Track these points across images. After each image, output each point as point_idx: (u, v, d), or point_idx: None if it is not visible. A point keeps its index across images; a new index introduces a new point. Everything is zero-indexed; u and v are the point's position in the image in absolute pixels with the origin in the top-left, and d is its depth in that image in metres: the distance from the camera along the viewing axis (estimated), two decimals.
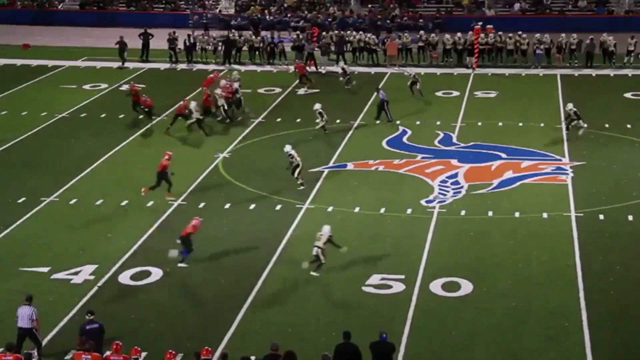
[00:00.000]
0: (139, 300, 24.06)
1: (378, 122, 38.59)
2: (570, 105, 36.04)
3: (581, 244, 26.77)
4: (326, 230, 25.36)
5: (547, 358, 21.11)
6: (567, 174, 32.41)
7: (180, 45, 51.62)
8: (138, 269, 25.70)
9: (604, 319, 22.53)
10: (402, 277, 24.87)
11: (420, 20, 55.98)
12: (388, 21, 56.95)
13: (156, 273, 25.43)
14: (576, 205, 29.56)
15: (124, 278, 25.22)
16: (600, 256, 26.06)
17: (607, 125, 37.44)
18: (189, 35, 52.15)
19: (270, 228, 28.48)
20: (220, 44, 51.96)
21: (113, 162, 35.08)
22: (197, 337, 21.45)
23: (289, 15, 59.66)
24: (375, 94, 39.86)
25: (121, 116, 40.77)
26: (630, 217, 28.49)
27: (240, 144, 36.72)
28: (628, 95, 42.82)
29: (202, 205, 30.28)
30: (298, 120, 39.23)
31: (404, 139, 36.89)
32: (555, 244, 27.03)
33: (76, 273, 25.45)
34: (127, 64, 50.51)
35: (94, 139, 37.40)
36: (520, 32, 49.71)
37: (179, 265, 25.53)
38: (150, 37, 52.09)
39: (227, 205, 30.27)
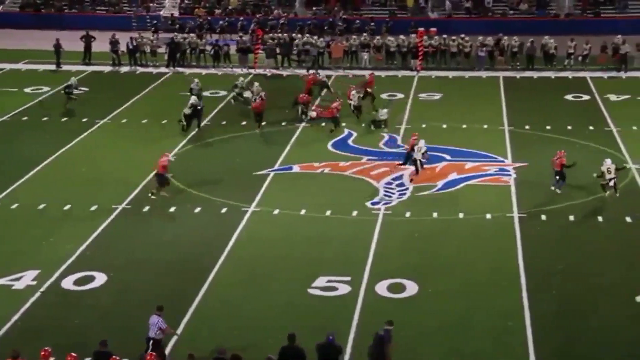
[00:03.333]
0: (83, 306, 23.80)
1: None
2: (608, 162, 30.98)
3: (524, 244, 27.08)
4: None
5: (492, 358, 21.33)
6: (510, 175, 32.76)
7: (123, 47, 51.19)
8: (82, 273, 25.42)
9: (547, 318, 22.82)
10: (348, 278, 24.94)
11: (372, 24, 56.08)
12: (339, 23, 56.99)
13: (100, 278, 25.18)
14: (519, 206, 29.90)
15: (67, 283, 24.93)
16: (543, 256, 26.39)
17: (548, 127, 37.90)
18: (131, 38, 51.74)
19: (215, 231, 28.37)
20: (165, 46, 51.62)
21: (55, 166, 34.66)
22: (143, 341, 21.25)
23: (234, 17, 59.38)
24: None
25: (64, 119, 40.33)
26: (571, 217, 28.89)
27: (185, 147, 36.51)
28: (569, 97, 43.40)
29: (147, 208, 30.06)
30: (243, 123, 39.12)
31: (350, 141, 36.99)
32: (498, 244, 27.31)
33: (18, 279, 25.10)
34: (65, 67, 49.95)
35: (36, 143, 36.91)
36: (463, 35, 50.18)
37: None
38: (92, 39, 51.59)
39: (172, 209, 30.08)
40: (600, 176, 30.07)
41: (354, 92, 39.66)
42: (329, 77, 46.97)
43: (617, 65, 48.29)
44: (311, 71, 47.26)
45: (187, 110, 37.72)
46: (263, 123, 38.35)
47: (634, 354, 21.21)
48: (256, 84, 41.02)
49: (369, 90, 41.04)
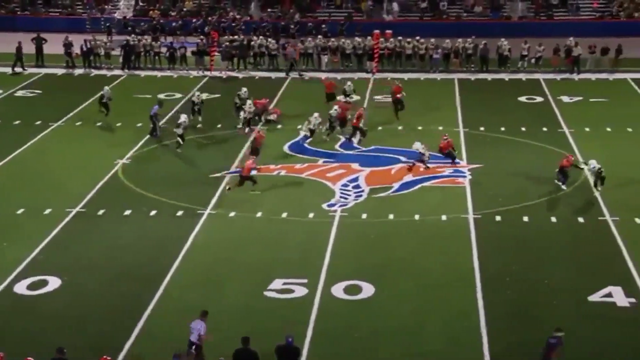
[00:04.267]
0: (37, 311, 23.53)
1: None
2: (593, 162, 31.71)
3: (479, 245, 27.26)
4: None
5: (447, 358, 21.45)
6: (465, 176, 32.97)
7: (77, 50, 50.78)
8: (35, 278, 25.14)
9: (501, 318, 22.99)
10: (305, 281, 24.94)
11: (324, 26, 56.25)
12: (292, 26, 57.03)
13: (54, 282, 24.92)
14: (474, 207, 30.11)
15: (20, 288, 24.64)
16: (498, 257, 26.60)
17: (503, 129, 38.21)
18: (85, 41, 51.34)
19: (171, 234, 28.22)
20: (120, 49, 51.28)
21: (8, 169, 34.29)
22: (98, 346, 21.08)
23: (189, 20, 59.14)
24: None
25: (16, 122, 39.89)
26: (525, 218, 29.14)
27: (140, 150, 36.29)
28: (522, 99, 43.82)
29: (101, 212, 29.83)
30: (198, 125, 38.97)
31: (306, 144, 37.01)
32: (454, 245, 27.48)
33: None
34: (18, 70, 49.47)
35: None
36: (417, 37, 50.45)
37: None
38: (44, 41, 51.11)
39: (128, 212, 29.87)
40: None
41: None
42: (284, 79, 46.99)
43: (570, 67, 48.80)
44: (324, 76, 45.36)
45: (179, 131, 35.80)
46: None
47: (587, 353, 21.45)
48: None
49: (398, 96, 39.91)
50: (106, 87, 41.01)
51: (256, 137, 34.72)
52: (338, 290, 24.52)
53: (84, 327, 22.54)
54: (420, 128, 38.50)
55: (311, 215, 29.65)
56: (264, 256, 26.71)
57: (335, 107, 37.77)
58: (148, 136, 37.71)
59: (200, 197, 30.93)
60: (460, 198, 31.01)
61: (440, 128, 38.19)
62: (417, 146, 33.05)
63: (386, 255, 26.88)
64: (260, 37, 52.47)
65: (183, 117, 36.78)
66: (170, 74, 50.12)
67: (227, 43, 50.93)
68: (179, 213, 29.79)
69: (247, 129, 37.67)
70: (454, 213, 29.68)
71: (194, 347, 20.36)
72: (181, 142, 35.92)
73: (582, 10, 60.67)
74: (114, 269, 25.92)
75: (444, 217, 29.39)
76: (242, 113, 38.49)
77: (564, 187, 31.16)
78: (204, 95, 41.02)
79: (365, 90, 45.70)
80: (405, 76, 48.64)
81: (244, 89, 40.75)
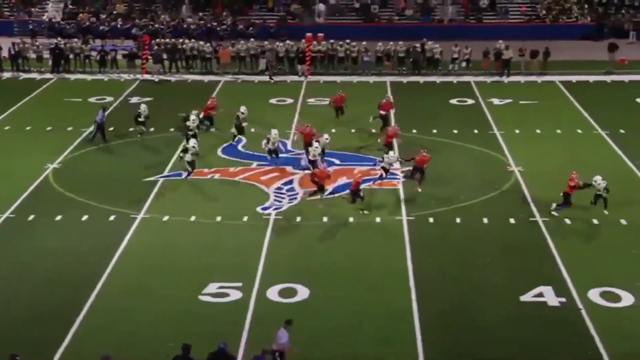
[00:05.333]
0: None
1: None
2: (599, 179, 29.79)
3: (412, 247, 27.48)
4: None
5: (383, 359, 21.57)
6: (399, 178, 33.20)
7: (5, 53, 49.94)
8: None
9: (435, 319, 23.19)
10: (240, 284, 24.87)
11: (250, 28, 56.19)
12: (224, 28, 56.85)
13: None
14: (407, 209, 30.33)
15: None
16: (431, 258, 26.83)
17: (435, 131, 38.55)
18: (13, 44, 50.51)
19: (104, 239, 27.92)
20: (49, 52, 50.54)
21: None
22: (30, 352, 20.75)
23: (120, 22, 58.54)
24: None
25: None
26: (458, 220, 29.44)
27: (71, 154, 35.82)
28: (454, 101, 44.28)
29: (31, 217, 29.39)
30: (131, 129, 38.59)
31: (239, 147, 36.90)
32: (388, 247, 27.65)
33: None
34: None
35: None
36: (348, 40, 50.67)
37: None
38: None
39: (59, 217, 29.47)
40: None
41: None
42: (217, 82, 46.83)
43: (501, 70, 49.46)
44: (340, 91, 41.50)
45: (188, 158, 33.32)
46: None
47: (519, 353, 21.75)
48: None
49: (382, 112, 38.48)
50: (143, 105, 39.29)
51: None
52: (273, 293, 24.51)
53: (16, 334, 22.18)
54: (353, 131, 38.64)
55: (245, 218, 29.58)
56: (198, 260, 26.57)
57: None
58: (79, 140, 37.23)
59: (134, 202, 30.63)
60: (394, 200, 31.21)
61: (373, 131, 38.37)
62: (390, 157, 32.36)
63: (321, 257, 26.93)
64: (192, 40, 52.19)
65: (143, 107, 37.69)
66: (101, 77, 49.56)
67: (158, 46, 50.58)
68: (112, 218, 29.48)
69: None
70: (387, 215, 29.87)
71: (277, 354, 20.33)
72: (144, 130, 37.56)
73: (511, 13, 61.55)
74: (45, 274, 25.55)
75: (378, 219, 29.55)
76: (264, 142, 34.88)
77: (555, 213, 29.41)
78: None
79: (299, 93, 45.75)
80: (338, 79, 48.84)
81: (243, 108, 37.88)
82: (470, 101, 44.37)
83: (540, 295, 24.34)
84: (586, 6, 60.66)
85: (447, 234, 28.55)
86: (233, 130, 37.23)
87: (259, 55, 50.50)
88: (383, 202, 31.04)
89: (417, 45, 50.15)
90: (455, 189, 31.83)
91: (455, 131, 38.76)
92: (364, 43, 50.31)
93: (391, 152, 32.88)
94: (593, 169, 30.86)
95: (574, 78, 48.38)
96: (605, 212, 29.14)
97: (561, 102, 44.16)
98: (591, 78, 48.63)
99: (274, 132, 34.71)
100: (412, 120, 39.82)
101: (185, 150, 33.64)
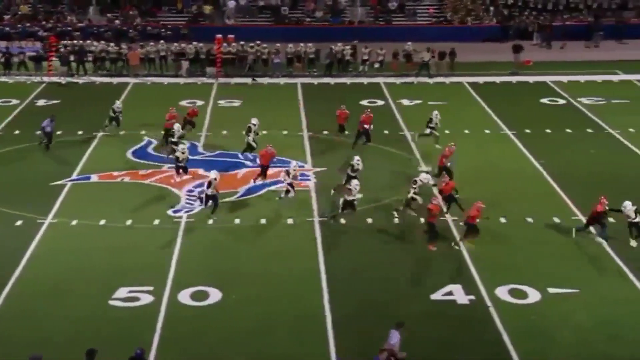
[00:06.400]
0: None
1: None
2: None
3: (325, 247, 27.61)
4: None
5: None
6: (310, 179, 33.31)
7: None
8: None
9: (347, 319, 23.35)
10: (151, 288, 24.65)
11: (162, 30, 55.74)
12: (131, 30, 56.24)
13: None
14: (319, 210, 30.44)
15: None
16: (343, 258, 27.00)
17: (346, 132, 38.76)
18: None
19: (10, 245, 27.36)
20: None
21: None
22: None
23: (26, 24, 57.38)
24: None
25: None
26: (369, 220, 29.67)
27: None
28: (364, 102, 44.58)
29: None
30: (38, 132, 37.85)
31: (149, 150, 36.57)
32: (300, 248, 27.71)
33: None
34: None
35: None
36: (259, 42, 50.66)
37: None
38: None
39: None
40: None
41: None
42: (126, 84, 46.28)
43: (417, 71, 49.92)
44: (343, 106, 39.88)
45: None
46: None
47: (430, 351, 22.04)
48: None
49: (365, 126, 37.01)
50: (117, 101, 39.39)
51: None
52: (185, 296, 24.35)
53: None
54: (265, 132, 38.60)
55: (156, 222, 29.32)
56: (108, 265, 26.23)
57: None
58: None
59: (41, 206, 30.08)
60: (306, 201, 31.30)
61: (285, 132, 38.48)
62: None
63: (233, 260, 26.87)
64: (101, 41, 51.53)
65: (117, 103, 38.12)
66: (6, 79, 48.52)
67: (65, 48, 49.77)
68: (18, 223, 28.90)
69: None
70: (299, 216, 29.93)
71: (385, 354, 20.35)
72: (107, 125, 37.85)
73: (419, 15, 62.31)
74: None
75: (289, 221, 29.60)
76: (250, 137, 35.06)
77: (602, 239, 27.87)
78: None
79: (210, 95, 45.56)
80: (249, 80, 48.76)
81: (255, 120, 36.22)
82: (380, 102, 44.77)
83: (450, 293, 24.71)
84: (491, 8, 61.77)
85: (359, 235, 28.75)
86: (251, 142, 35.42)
87: (176, 58, 50.13)
88: (294, 203, 31.04)
89: (348, 47, 50.42)
90: (366, 189, 32.00)
91: (325, 132, 38.90)
92: (278, 45, 50.37)
93: (423, 174, 31.04)
94: (500, 168, 31.46)
95: (480, 79, 49.26)
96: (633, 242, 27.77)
97: (469, 103, 44.92)
98: (497, 79, 49.57)
99: (254, 120, 35.48)
100: (324, 122, 39.94)
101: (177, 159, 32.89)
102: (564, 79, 49.27)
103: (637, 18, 61.04)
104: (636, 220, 27.52)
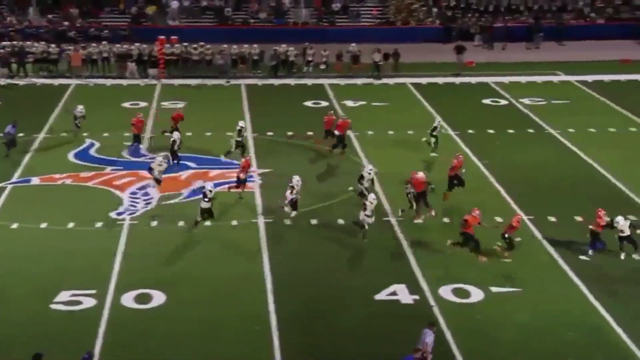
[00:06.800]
0: None
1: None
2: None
3: (270, 248, 27.59)
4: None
5: None
6: (255, 181, 33.26)
7: None
8: None
9: (292, 320, 23.37)
10: (93, 292, 24.42)
11: (105, 31, 55.22)
12: (73, 31, 55.61)
13: None
14: (264, 211, 30.40)
15: None
16: (288, 260, 26.99)
17: (290, 133, 38.78)
18: None
19: None
20: None
21: None
22: None
23: None
24: None
25: None
26: (314, 221, 29.71)
27: None
28: (308, 103, 44.66)
29: None
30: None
31: (92, 152, 36.23)
32: (245, 250, 27.66)
33: None
34: None
35: None
36: (202, 43, 50.45)
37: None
38: None
39: None
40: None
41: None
42: (67, 85, 45.79)
43: (371, 72, 50.06)
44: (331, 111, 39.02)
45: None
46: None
47: (375, 350, 22.12)
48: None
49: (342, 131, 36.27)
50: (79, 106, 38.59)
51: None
52: (128, 299, 24.16)
53: None
54: (208, 134, 38.46)
55: (99, 224, 29.05)
56: (50, 268, 25.95)
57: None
58: None
59: None
60: (250, 203, 31.23)
61: (229, 134, 38.31)
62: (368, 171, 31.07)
63: (177, 262, 26.73)
64: (42, 42, 50.91)
65: (79, 108, 37.66)
66: None
67: (4, 50, 49.09)
68: None
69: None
70: (244, 218, 29.86)
71: (420, 353, 20.42)
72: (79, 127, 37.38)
73: (363, 17, 62.54)
74: None
75: (234, 223, 29.51)
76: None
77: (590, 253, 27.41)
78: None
79: (153, 96, 45.27)
80: (193, 82, 48.55)
81: (242, 122, 36.04)
82: (324, 103, 44.83)
83: (394, 293, 24.85)
84: (434, 10, 62.23)
85: (304, 236, 28.77)
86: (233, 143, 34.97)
87: (119, 59, 49.70)
88: (239, 205, 30.98)
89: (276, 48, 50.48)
90: (311, 190, 32.07)
91: (310, 133, 39.07)
92: (225, 46, 50.23)
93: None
94: (444, 168, 31.67)
95: (424, 80, 49.58)
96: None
97: (412, 104, 45.19)
98: (440, 80, 49.94)
99: (241, 123, 35.15)
100: (268, 123, 39.92)
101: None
102: (506, 79, 49.83)
103: (576, 20, 61.94)
104: (627, 234, 27.01)
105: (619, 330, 22.94)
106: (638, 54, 56.04)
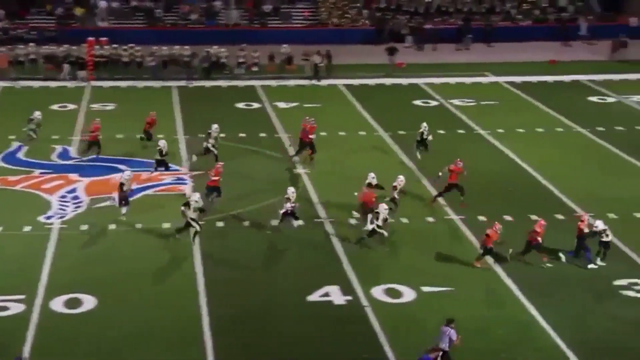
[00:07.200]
0: None
1: None
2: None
3: (202, 251, 27.45)
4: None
5: None
6: (187, 183, 33.05)
7: None
8: None
9: (225, 323, 23.29)
10: (22, 297, 24.04)
11: (33, 32, 54.36)
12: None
13: None
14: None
15: None
16: (221, 262, 26.90)
17: (223, 135, 38.56)
18: None
19: None
20: None
21: None
22: None
23: None
24: None
25: None
26: (246, 223, 29.65)
27: None
28: (240, 105, 44.55)
29: None
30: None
31: (20, 155, 35.65)
32: (177, 253, 27.47)
33: None
34: None
35: None
36: (132, 45, 49.99)
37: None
38: None
39: None
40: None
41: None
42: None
43: (311, 74, 50.11)
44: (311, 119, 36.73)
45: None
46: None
47: (309, 352, 22.16)
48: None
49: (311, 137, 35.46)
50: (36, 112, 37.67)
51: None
52: (57, 304, 23.86)
53: None
54: (138, 136, 38.05)
55: (27, 228, 28.60)
56: None
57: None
58: None
59: None
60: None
61: (161, 136, 38.02)
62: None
63: (108, 266, 26.43)
64: None
65: (37, 114, 37.02)
66: None
67: None
68: None
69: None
70: (176, 221, 29.60)
71: (441, 353, 20.40)
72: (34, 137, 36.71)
73: (294, 18, 62.55)
74: None
75: (166, 225, 29.30)
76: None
77: (593, 265, 26.92)
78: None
79: (82, 99, 44.75)
80: (123, 84, 48.08)
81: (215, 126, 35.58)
82: (256, 105, 44.77)
83: (327, 294, 24.91)
84: (365, 11, 62.52)
85: (236, 238, 28.68)
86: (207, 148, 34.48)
87: (47, 61, 48.99)
88: (171, 208, 30.71)
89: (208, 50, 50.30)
90: (244, 192, 32.00)
91: (243, 135, 38.97)
92: (155, 47, 49.88)
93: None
94: (375, 169, 31.78)
95: (355, 81, 49.81)
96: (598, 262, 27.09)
97: (344, 105, 45.36)
98: (372, 81, 50.21)
99: (215, 126, 34.94)
100: (200, 125, 39.67)
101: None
102: (436, 81, 50.30)
103: (504, 22, 62.78)
104: (607, 240, 26.90)
105: (547, 327, 23.35)
106: (564, 55, 57.04)
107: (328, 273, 26.28)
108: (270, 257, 27.41)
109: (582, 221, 27.24)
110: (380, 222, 27.53)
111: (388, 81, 50.35)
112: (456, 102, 45.83)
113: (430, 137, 35.66)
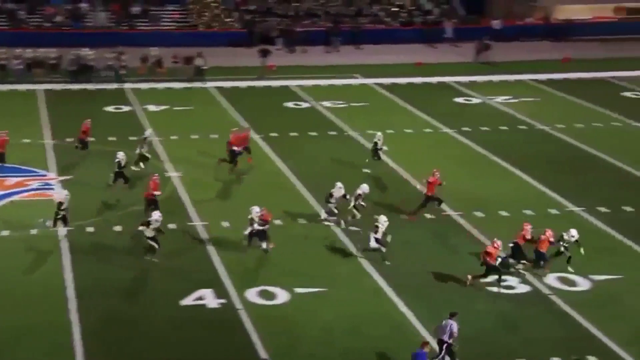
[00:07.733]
0: None
1: None
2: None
3: (73, 257, 27.02)
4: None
5: None
6: (54, 189, 32.41)
7: None
8: None
9: (96, 329, 23.02)
10: None
11: None
12: None
13: None
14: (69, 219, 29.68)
15: None
16: (91, 267, 26.54)
17: (93, 139, 37.91)
18: None
19: None
20: None
21: None
22: None
23: None
24: None
25: None
26: (117, 228, 29.29)
27: None
28: (109, 108, 43.93)
29: None
30: None
31: None
32: (46, 260, 26.98)
33: None
34: None
35: None
36: None
37: None
38: None
39: None
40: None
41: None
42: None
43: (193, 77, 49.67)
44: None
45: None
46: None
47: (183, 356, 22.10)
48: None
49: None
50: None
51: None
52: None
53: None
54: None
55: None
56: None
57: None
58: None
59: None
60: (50, 211, 30.28)
61: (27, 141, 37.26)
62: None
63: None
64: None
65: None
66: None
67: None
68: None
69: None
70: (43, 227, 29.04)
71: (445, 345, 20.50)
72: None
73: (163, 20, 62.02)
74: None
75: (34, 232, 28.69)
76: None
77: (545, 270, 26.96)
78: None
79: None
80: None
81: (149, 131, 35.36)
82: (126, 108, 44.23)
83: (200, 298, 24.87)
84: (235, 13, 62.53)
85: (107, 243, 28.32)
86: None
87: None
88: (39, 213, 30.07)
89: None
90: (113, 197, 31.60)
91: (112, 138, 38.42)
92: (18, 50, 48.66)
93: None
94: (248, 173, 31.95)
95: (227, 84, 49.74)
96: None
97: (214, 107, 45.26)
98: (243, 84, 50.24)
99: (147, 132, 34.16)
100: (68, 129, 38.92)
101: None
102: (307, 83, 50.70)
103: (372, 25, 63.83)
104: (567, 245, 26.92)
105: (419, 326, 23.83)
106: (431, 57, 58.31)
107: (203, 277, 26.22)
108: (142, 262, 27.11)
109: (525, 230, 27.07)
110: (379, 235, 27.02)
111: (259, 83, 50.50)
112: (327, 104, 46.30)
113: (385, 148, 35.72)
